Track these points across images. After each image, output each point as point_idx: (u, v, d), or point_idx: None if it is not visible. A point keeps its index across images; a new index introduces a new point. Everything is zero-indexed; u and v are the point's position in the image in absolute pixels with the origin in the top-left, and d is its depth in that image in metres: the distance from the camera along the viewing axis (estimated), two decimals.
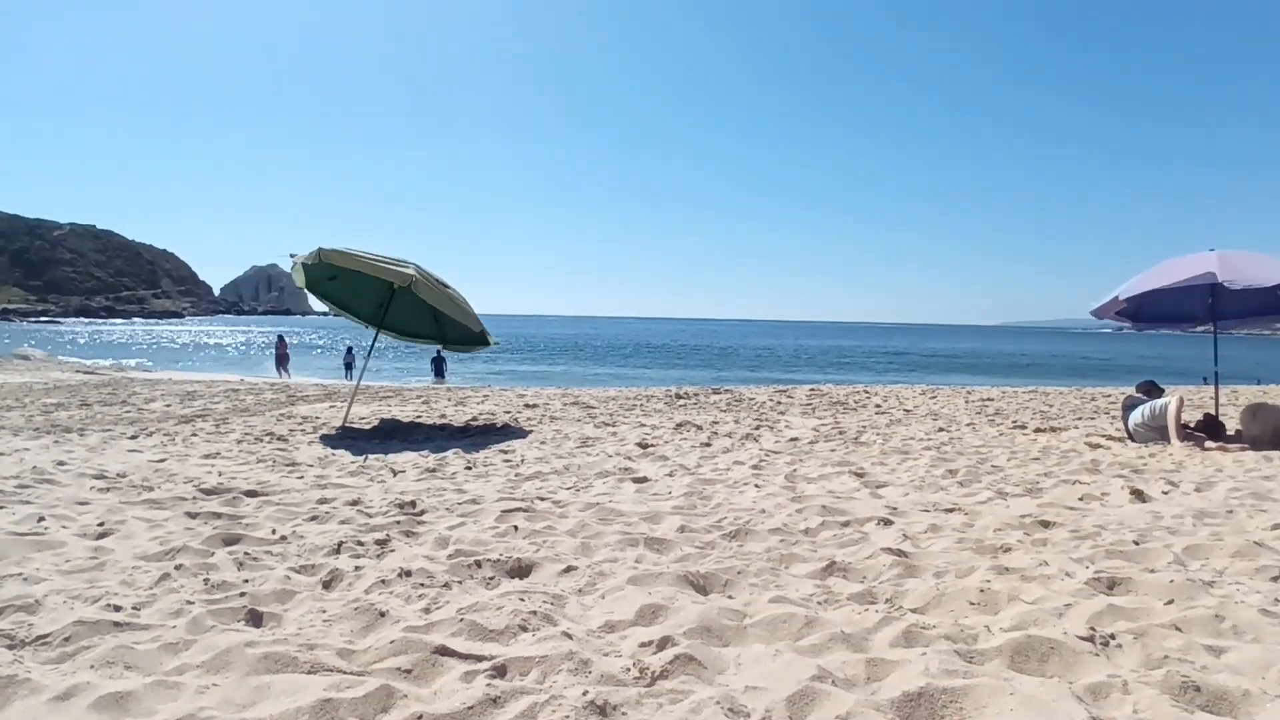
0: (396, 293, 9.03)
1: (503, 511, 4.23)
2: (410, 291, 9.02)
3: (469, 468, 5.86)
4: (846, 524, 4.03)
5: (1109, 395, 13.95)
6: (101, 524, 3.81)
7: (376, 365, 28.50)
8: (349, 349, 24.96)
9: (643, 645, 2.41)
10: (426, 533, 3.81)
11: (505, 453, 6.60)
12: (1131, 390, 8.28)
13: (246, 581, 3.00)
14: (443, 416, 9.64)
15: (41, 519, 3.83)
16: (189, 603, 2.73)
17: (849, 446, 7.06)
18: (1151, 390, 7.81)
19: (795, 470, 5.73)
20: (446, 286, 8.36)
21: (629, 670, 2.22)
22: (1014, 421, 9.22)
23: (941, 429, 8.42)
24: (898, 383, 21.97)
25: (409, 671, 2.24)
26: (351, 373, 22.47)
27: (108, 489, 4.66)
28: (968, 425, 8.82)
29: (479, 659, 2.31)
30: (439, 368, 23.61)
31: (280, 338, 25.81)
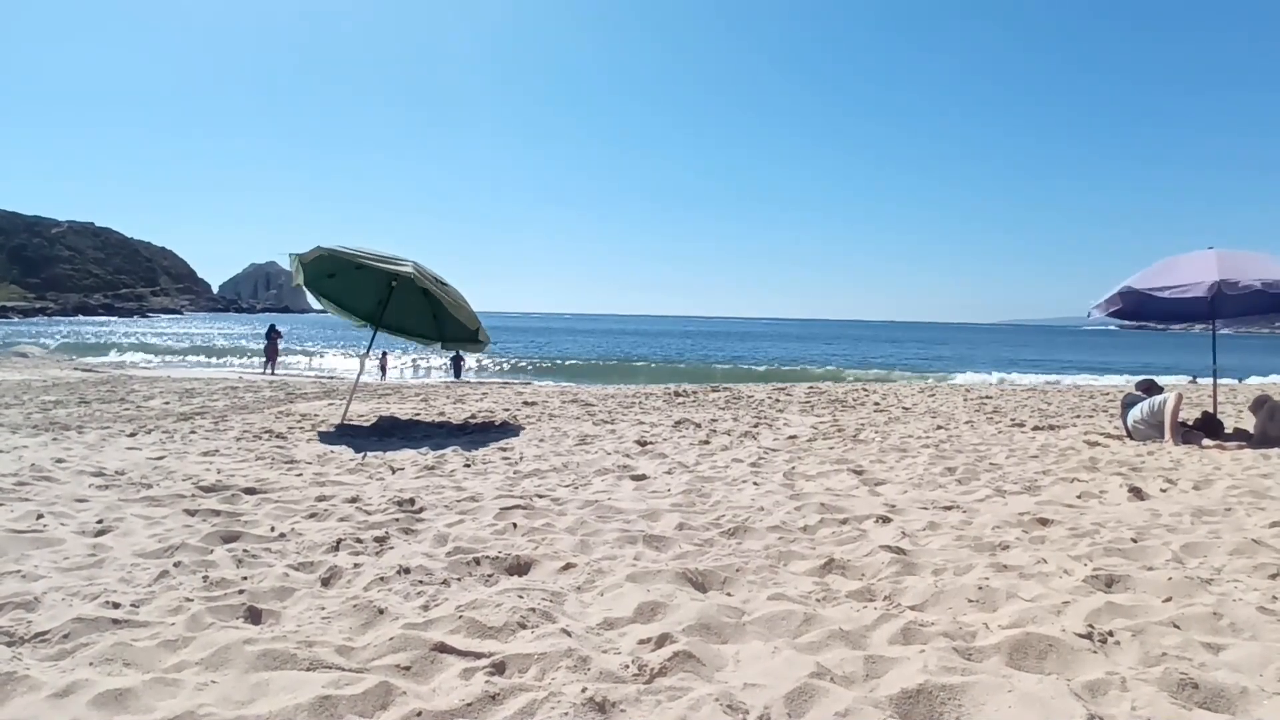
0: (395, 290, 9.04)
1: (501, 509, 4.23)
2: (408, 290, 9.03)
3: (468, 465, 5.86)
4: (845, 521, 4.04)
5: (1107, 393, 13.97)
6: (100, 521, 3.81)
7: (393, 364, 28.57)
8: (383, 353, 24.89)
9: (641, 642, 2.41)
10: (425, 530, 3.81)
11: (504, 450, 6.60)
12: (1131, 388, 8.29)
13: (245, 579, 3.00)
14: (441, 414, 9.64)
15: (40, 516, 3.83)
16: (188, 600, 2.73)
17: (847, 444, 7.06)
18: (1151, 388, 7.82)
19: (794, 468, 5.73)
20: (444, 284, 8.36)
21: (628, 667, 2.23)
22: (1012, 419, 9.23)
23: (940, 427, 8.43)
24: (898, 380, 21.98)
25: (408, 669, 2.24)
26: (385, 374, 22.61)
27: (106, 486, 4.66)
28: (966, 423, 8.83)
29: (478, 656, 2.31)
30: (457, 367, 23.93)
31: (272, 329, 24.85)
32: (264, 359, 24.30)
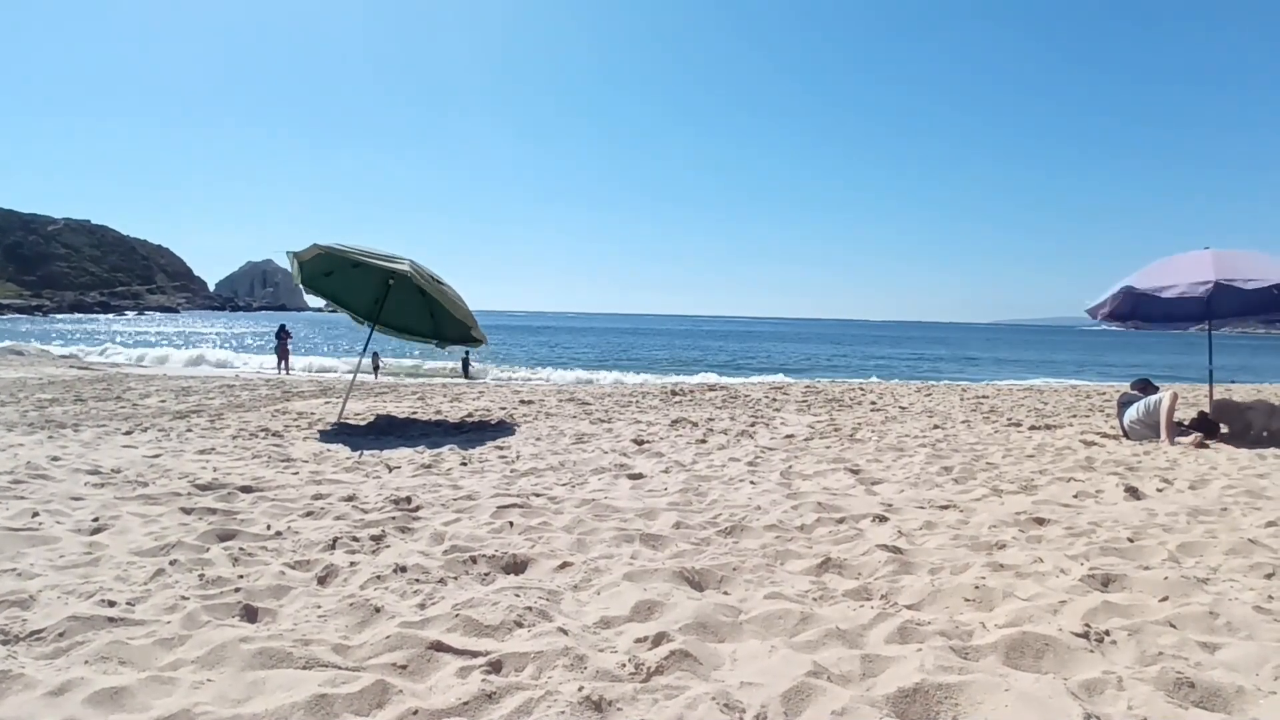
0: (392, 289, 9.03)
1: (498, 508, 4.23)
2: (405, 288, 9.02)
3: (464, 464, 5.85)
4: (842, 520, 4.04)
5: (1104, 393, 13.99)
6: (96, 519, 3.79)
7: (398, 363, 28.57)
8: (375, 354, 24.95)
9: (638, 641, 2.41)
10: (422, 529, 3.80)
11: (501, 449, 6.60)
12: (1126, 388, 8.30)
13: (241, 577, 2.99)
14: (438, 413, 9.63)
15: (36, 514, 3.81)
16: (184, 598, 2.72)
17: (844, 443, 7.07)
18: (1146, 388, 7.84)
19: (791, 467, 5.74)
20: (441, 283, 8.35)
21: (624, 666, 2.22)
22: (1009, 419, 9.24)
23: (936, 426, 8.43)
24: (894, 379, 22.03)
25: (404, 667, 2.24)
26: (377, 374, 22.71)
27: (102, 484, 4.65)
28: (963, 423, 8.84)
29: (474, 655, 2.31)
30: (465, 366, 24.31)
31: (282, 329, 24.92)
32: (279, 359, 24.25)
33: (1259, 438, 7.03)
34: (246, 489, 4.65)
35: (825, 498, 4.56)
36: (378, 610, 2.64)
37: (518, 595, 2.78)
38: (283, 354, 24.09)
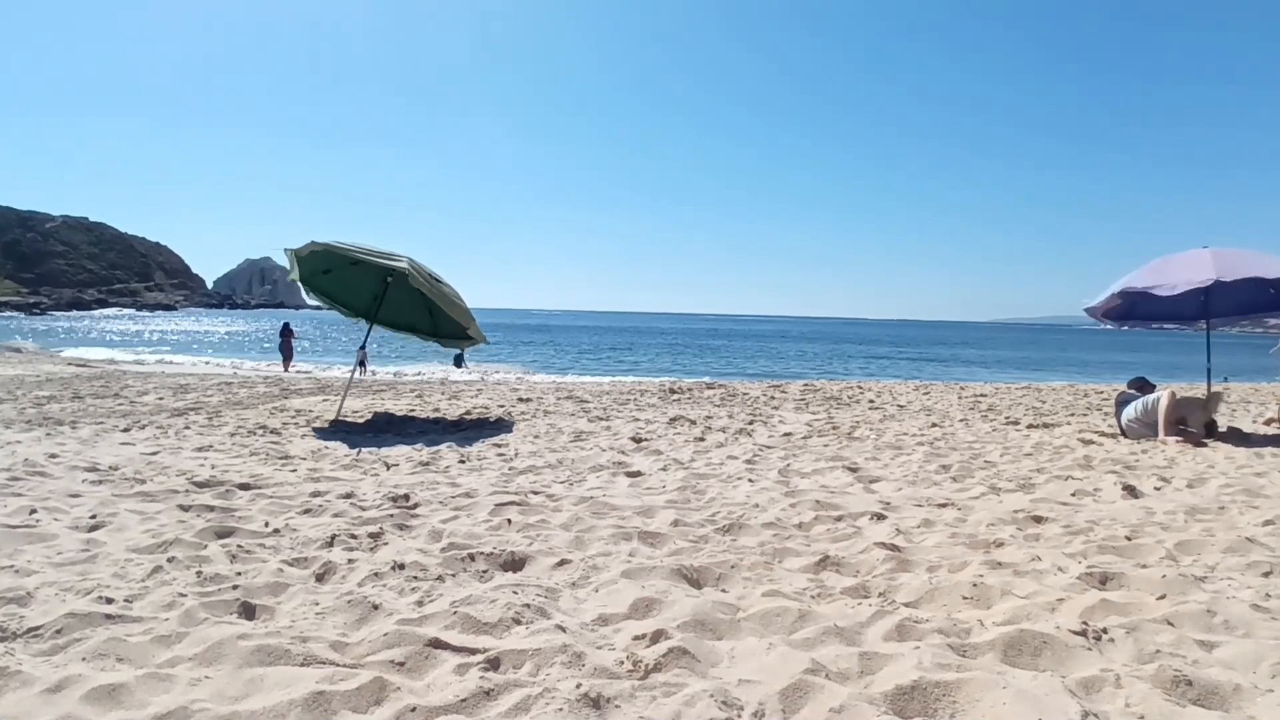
0: (390, 286, 9.02)
1: (496, 505, 4.23)
2: (403, 286, 9.01)
3: (462, 461, 5.85)
4: (840, 518, 4.04)
5: (1102, 391, 14.01)
6: (94, 516, 3.79)
7: (398, 364, 28.49)
8: (362, 349, 24.54)
9: (636, 638, 2.41)
10: (420, 526, 3.80)
11: (499, 446, 6.60)
12: (1124, 386, 8.31)
13: (239, 574, 2.99)
14: (436, 410, 9.63)
15: (33, 511, 3.81)
16: (181, 595, 2.72)
17: (842, 441, 7.07)
18: (1144, 386, 7.84)
19: (789, 465, 5.74)
20: (440, 282, 8.34)
21: (622, 663, 2.22)
22: (1007, 417, 9.24)
23: (935, 424, 8.44)
24: (893, 378, 22.06)
25: (402, 664, 2.24)
26: (365, 370, 22.52)
27: (100, 482, 4.64)
28: (961, 421, 8.85)
29: (472, 652, 2.31)
30: (459, 365, 23.98)
31: (286, 327, 24.69)
32: (284, 358, 24.04)
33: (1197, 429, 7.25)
34: (244, 486, 4.64)
35: (823, 496, 4.57)
36: (376, 607, 2.64)
37: (516, 593, 2.78)
38: (287, 353, 23.90)
